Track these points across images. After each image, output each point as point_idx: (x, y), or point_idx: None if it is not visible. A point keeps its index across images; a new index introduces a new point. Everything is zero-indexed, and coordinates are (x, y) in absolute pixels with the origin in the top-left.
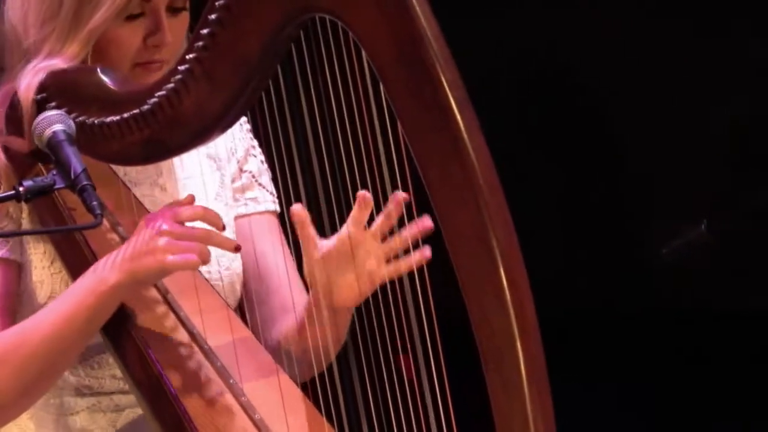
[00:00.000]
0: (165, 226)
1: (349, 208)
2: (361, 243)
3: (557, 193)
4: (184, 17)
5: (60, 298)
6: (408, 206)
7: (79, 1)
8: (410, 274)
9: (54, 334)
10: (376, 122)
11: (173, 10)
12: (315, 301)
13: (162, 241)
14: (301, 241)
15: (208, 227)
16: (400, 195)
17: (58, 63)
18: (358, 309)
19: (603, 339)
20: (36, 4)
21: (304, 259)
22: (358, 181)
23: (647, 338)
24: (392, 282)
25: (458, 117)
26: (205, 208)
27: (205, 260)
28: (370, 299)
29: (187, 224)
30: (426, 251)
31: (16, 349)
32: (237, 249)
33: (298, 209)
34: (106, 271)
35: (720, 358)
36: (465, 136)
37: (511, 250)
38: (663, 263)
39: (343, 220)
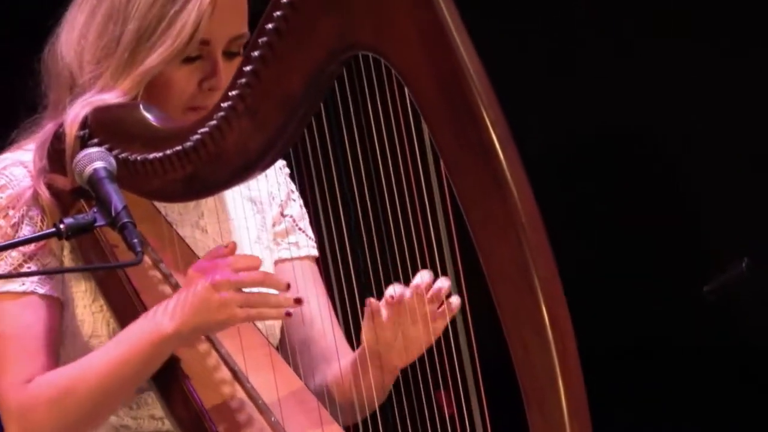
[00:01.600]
0: (225, 276)
1: (391, 246)
2: (412, 309)
3: (599, 230)
4: (238, 62)
5: (113, 344)
6: (450, 243)
7: (137, 41)
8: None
9: (105, 379)
10: (418, 159)
11: (229, 55)
12: (362, 362)
13: (226, 293)
14: (364, 319)
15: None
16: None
17: (109, 98)
18: None
19: (646, 376)
20: (93, 42)
21: (364, 325)
22: (400, 219)
23: (691, 375)
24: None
25: (500, 155)
26: (267, 275)
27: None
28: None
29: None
30: (455, 301)
31: (67, 391)
32: (287, 287)
33: (374, 303)
34: (164, 320)
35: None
36: (507, 173)
37: (553, 287)
38: (706, 300)
39: (385, 260)
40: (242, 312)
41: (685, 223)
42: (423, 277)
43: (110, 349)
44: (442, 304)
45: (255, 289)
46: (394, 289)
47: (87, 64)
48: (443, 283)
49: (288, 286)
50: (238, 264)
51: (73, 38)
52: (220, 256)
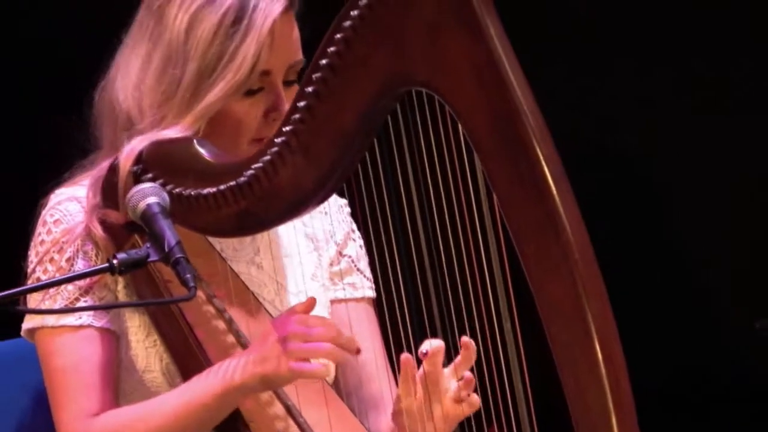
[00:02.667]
0: (294, 331)
1: (443, 282)
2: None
3: (647, 267)
4: (295, 89)
5: (179, 393)
6: (504, 278)
7: (198, 80)
8: (504, 347)
9: (170, 424)
10: (472, 195)
11: (287, 83)
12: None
13: (292, 345)
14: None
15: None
16: (471, 344)
17: (170, 134)
18: None
19: (699, 413)
20: (152, 86)
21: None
22: (453, 254)
23: (744, 413)
24: (486, 354)
25: (554, 191)
26: (339, 333)
27: (336, 360)
28: (474, 368)
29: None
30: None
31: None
32: (358, 351)
33: (406, 360)
34: (235, 373)
35: None
36: (561, 210)
37: (607, 324)
38: (758, 338)
39: (438, 296)
40: (305, 365)
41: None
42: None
43: (177, 396)
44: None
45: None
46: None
47: (148, 108)
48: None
49: (359, 351)
50: (310, 321)
51: (129, 83)
52: (296, 313)
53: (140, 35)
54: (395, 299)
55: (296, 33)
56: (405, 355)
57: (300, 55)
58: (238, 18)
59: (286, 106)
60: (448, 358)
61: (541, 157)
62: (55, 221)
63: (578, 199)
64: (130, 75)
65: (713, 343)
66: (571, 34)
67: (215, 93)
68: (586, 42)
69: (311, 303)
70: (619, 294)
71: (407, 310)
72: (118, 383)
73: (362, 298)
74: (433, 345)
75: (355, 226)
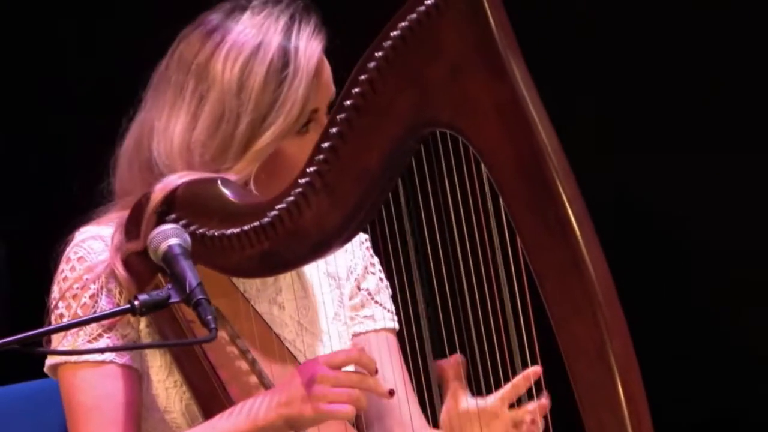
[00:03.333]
0: (320, 373)
1: (467, 323)
2: (500, 414)
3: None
4: None
5: (207, 428)
6: (527, 320)
7: (251, 128)
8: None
9: None
10: (495, 236)
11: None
12: None
13: (318, 388)
14: (446, 388)
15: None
16: (533, 372)
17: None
18: None
19: None
20: (203, 143)
21: (445, 406)
22: (476, 295)
23: None
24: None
25: (577, 232)
26: (361, 351)
27: (361, 407)
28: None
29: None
30: (544, 402)
31: None
32: (391, 394)
33: (455, 363)
34: (260, 413)
35: None
36: (584, 251)
37: (629, 364)
38: None
39: (462, 337)
40: (331, 408)
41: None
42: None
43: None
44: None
45: None
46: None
47: (199, 166)
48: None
49: (391, 394)
50: (336, 360)
51: (174, 147)
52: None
53: (180, 95)
54: (416, 335)
55: (329, 66)
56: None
57: (334, 87)
58: (285, 64)
59: None
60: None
61: (565, 199)
62: (79, 258)
63: (604, 238)
64: (172, 138)
65: (737, 382)
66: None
67: (268, 136)
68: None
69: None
70: (641, 331)
71: (430, 346)
72: (140, 421)
73: (382, 329)
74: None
75: (376, 260)
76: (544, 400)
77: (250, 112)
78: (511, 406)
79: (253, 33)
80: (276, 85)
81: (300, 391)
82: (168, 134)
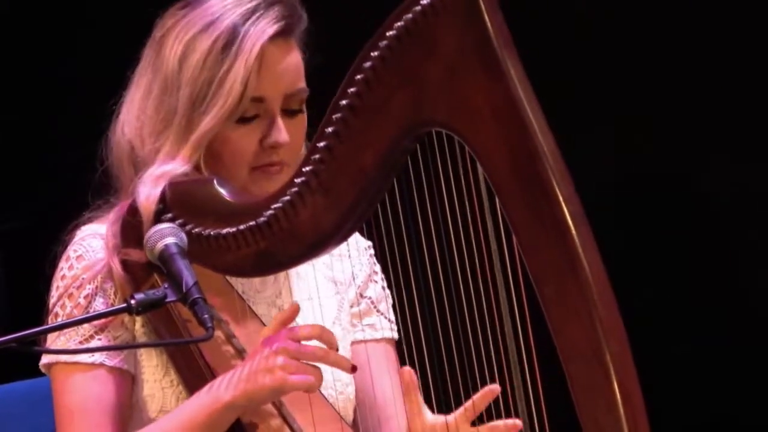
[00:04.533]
0: (281, 345)
1: (463, 325)
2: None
3: (669, 302)
4: (301, 119)
5: (173, 414)
6: (523, 320)
7: (191, 107)
8: (524, 388)
9: None
10: (491, 236)
11: (290, 113)
12: None
13: (279, 360)
14: (405, 404)
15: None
16: (490, 391)
17: (172, 168)
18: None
19: None
20: (152, 116)
21: (408, 423)
22: (472, 295)
23: None
24: (504, 394)
25: (574, 232)
26: (322, 328)
27: (319, 382)
28: (484, 413)
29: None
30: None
31: None
32: (353, 369)
33: (408, 372)
34: (221, 390)
35: None
36: (580, 251)
37: (626, 365)
38: None
39: (457, 337)
40: (291, 379)
41: (758, 294)
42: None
43: (172, 417)
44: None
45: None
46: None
47: (147, 138)
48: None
49: (353, 369)
50: (299, 333)
51: (132, 116)
52: (284, 322)
53: (143, 68)
54: (412, 338)
55: (294, 60)
56: (405, 369)
57: (300, 84)
58: (228, 44)
59: (284, 134)
60: (465, 384)
61: (561, 199)
62: (78, 257)
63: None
64: (132, 107)
65: (734, 384)
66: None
67: (208, 120)
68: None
69: (294, 309)
70: (647, 337)
71: (425, 349)
72: (127, 424)
73: (381, 339)
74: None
75: (378, 268)
76: (517, 422)
77: (188, 87)
78: (473, 423)
79: (212, 12)
80: (214, 64)
81: (259, 364)
82: (131, 104)
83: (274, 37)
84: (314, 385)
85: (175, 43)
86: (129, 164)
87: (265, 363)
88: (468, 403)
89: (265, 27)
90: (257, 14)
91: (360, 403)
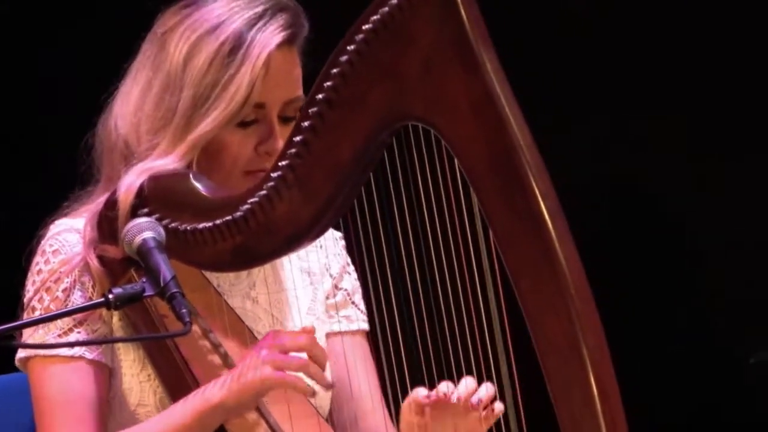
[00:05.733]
0: (269, 356)
1: (440, 319)
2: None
3: (643, 301)
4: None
5: (165, 414)
6: (500, 314)
7: (192, 107)
8: (500, 381)
9: None
10: (468, 230)
11: (285, 120)
12: None
13: (265, 354)
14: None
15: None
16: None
17: (164, 164)
18: None
19: None
20: (150, 113)
21: (402, 417)
22: (449, 288)
23: None
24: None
25: (550, 226)
26: (313, 342)
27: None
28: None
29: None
30: (498, 407)
31: None
32: (330, 387)
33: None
34: (211, 392)
35: None
36: (557, 245)
37: (602, 359)
38: (752, 373)
39: (434, 331)
40: (276, 374)
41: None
42: (467, 385)
43: (162, 418)
44: (486, 407)
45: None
46: (438, 391)
47: (144, 135)
48: (486, 391)
49: (330, 386)
50: (288, 344)
51: (128, 110)
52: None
53: (142, 63)
54: (389, 332)
55: (296, 69)
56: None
57: (299, 92)
58: (235, 48)
59: (280, 142)
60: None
61: (538, 193)
62: (54, 251)
63: (581, 232)
64: (129, 102)
65: (709, 380)
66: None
67: (208, 122)
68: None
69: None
70: (614, 325)
71: (402, 343)
72: (108, 417)
73: (357, 331)
74: (440, 392)
75: (349, 260)
76: (498, 405)
77: (191, 88)
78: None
79: (218, 14)
80: (220, 67)
81: (250, 363)
82: (127, 98)
83: (280, 45)
84: (299, 385)
85: (180, 42)
86: (121, 159)
87: (253, 361)
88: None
89: (273, 34)
90: (264, 20)
91: (335, 394)
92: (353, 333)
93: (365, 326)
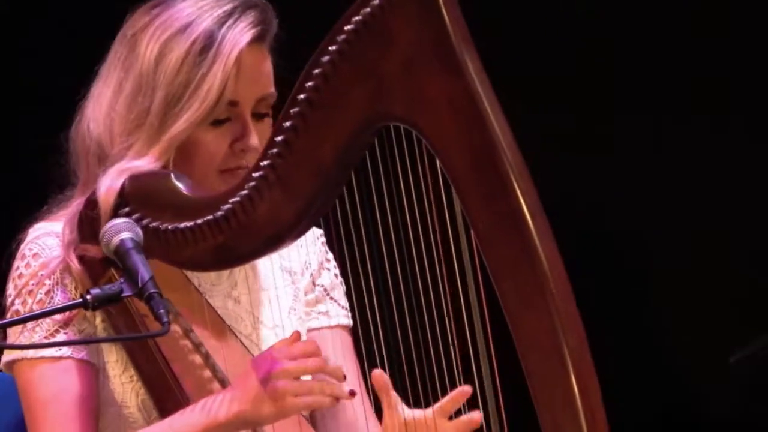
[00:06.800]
0: (281, 367)
1: (422, 319)
2: (438, 426)
3: (623, 299)
4: (268, 123)
5: (161, 428)
6: (481, 312)
7: (165, 108)
8: (480, 380)
9: None
10: (449, 229)
11: (258, 116)
12: None
13: (280, 384)
14: (381, 402)
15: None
16: (467, 390)
17: (141, 164)
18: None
19: None
20: (123, 114)
21: (383, 419)
22: (430, 288)
23: None
24: (454, 384)
25: (531, 225)
26: (316, 345)
27: (329, 398)
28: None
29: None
30: (475, 415)
31: None
32: (352, 395)
33: (379, 374)
34: (218, 411)
35: None
36: (537, 244)
37: (583, 357)
38: (731, 373)
39: (415, 330)
40: (297, 401)
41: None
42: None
43: (161, 429)
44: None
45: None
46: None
47: (118, 137)
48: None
49: (345, 377)
50: (295, 352)
51: (101, 113)
52: (278, 349)
53: (113, 64)
54: (372, 331)
55: (267, 66)
56: (375, 372)
57: (271, 89)
58: (206, 47)
59: (254, 139)
60: (424, 388)
61: (519, 192)
62: (34, 255)
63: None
64: (101, 104)
65: (688, 378)
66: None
67: (182, 122)
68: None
69: (295, 338)
70: (594, 323)
71: (384, 342)
72: (98, 416)
73: (336, 326)
74: (376, 374)
75: (330, 256)
76: (477, 414)
77: (163, 88)
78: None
79: (188, 13)
80: (192, 66)
81: (259, 388)
82: (99, 100)
83: (250, 43)
84: (324, 402)
85: (151, 42)
86: (95, 161)
87: (264, 387)
88: (444, 401)
89: (243, 32)
90: (234, 17)
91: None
92: (332, 328)
93: (346, 321)
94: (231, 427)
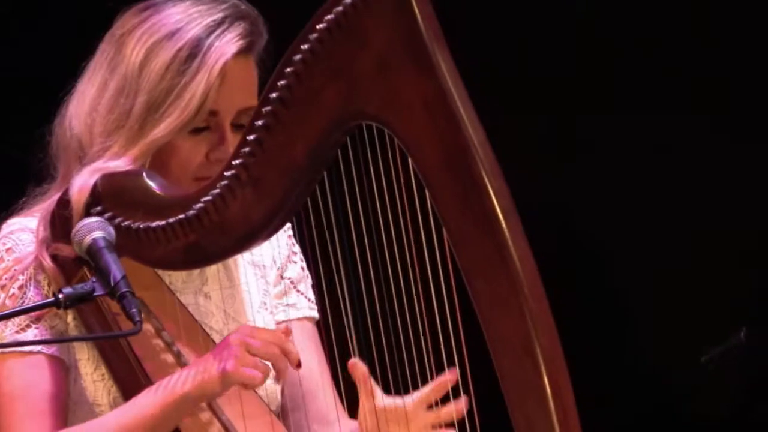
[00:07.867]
0: (242, 338)
1: (393, 316)
2: (417, 415)
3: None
4: None
5: (126, 408)
6: (453, 313)
7: (146, 112)
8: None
9: None
10: (421, 229)
11: (238, 127)
12: None
13: (234, 350)
14: (359, 390)
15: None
16: (450, 378)
17: (116, 165)
18: None
19: None
20: (104, 114)
21: (360, 406)
22: (402, 288)
23: None
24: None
25: (504, 225)
26: (284, 339)
27: (263, 381)
28: None
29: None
30: (461, 404)
31: None
32: (298, 366)
33: (357, 364)
34: (176, 384)
35: None
36: (510, 244)
37: (556, 358)
38: (703, 371)
39: (387, 329)
40: (242, 369)
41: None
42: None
43: (125, 410)
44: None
45: None
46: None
47: (97, 136)
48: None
49: (299, 365)
50: (262, 335)
51: (83, 110)
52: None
53: (99, 63)
54: (345, 329)
55: (252, 78)
56: (352, 361)
57: (253, 101)
58: (192, 55)
59: (231, 150)
60: (395, 380)
61: (492, 192)
62: (7, 249)
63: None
64: (84, 102)
65: (660, 378)
66: None
67: (161, 129)
68: None
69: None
70: (568, 324)
71: (355, 339)
72: (67, 412)
73: (303, 318)
74: (354, 364)
75: (297, 249)
76: (462, 402)
77: (146, 93)
78: (429, 407)
79: (177, 19)
80: (176, 74)
81: (213, 360)
82: (83, 97)
83: (237, 54)
84: (258, 383)
85: (137, 46)
86: (75, 159)
87: (220, 353)
88: (425, 389)
89: (230, 42)
90: (223, 27)
91: (286, 381)
92: (299, 320)
93: (312, 314)
94: (188, 398)
